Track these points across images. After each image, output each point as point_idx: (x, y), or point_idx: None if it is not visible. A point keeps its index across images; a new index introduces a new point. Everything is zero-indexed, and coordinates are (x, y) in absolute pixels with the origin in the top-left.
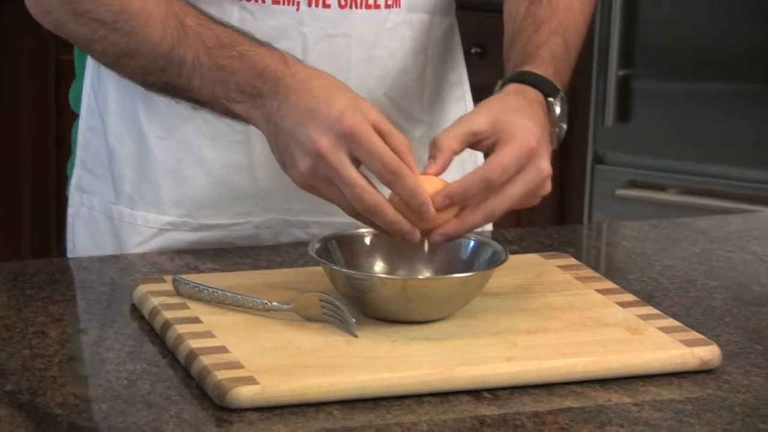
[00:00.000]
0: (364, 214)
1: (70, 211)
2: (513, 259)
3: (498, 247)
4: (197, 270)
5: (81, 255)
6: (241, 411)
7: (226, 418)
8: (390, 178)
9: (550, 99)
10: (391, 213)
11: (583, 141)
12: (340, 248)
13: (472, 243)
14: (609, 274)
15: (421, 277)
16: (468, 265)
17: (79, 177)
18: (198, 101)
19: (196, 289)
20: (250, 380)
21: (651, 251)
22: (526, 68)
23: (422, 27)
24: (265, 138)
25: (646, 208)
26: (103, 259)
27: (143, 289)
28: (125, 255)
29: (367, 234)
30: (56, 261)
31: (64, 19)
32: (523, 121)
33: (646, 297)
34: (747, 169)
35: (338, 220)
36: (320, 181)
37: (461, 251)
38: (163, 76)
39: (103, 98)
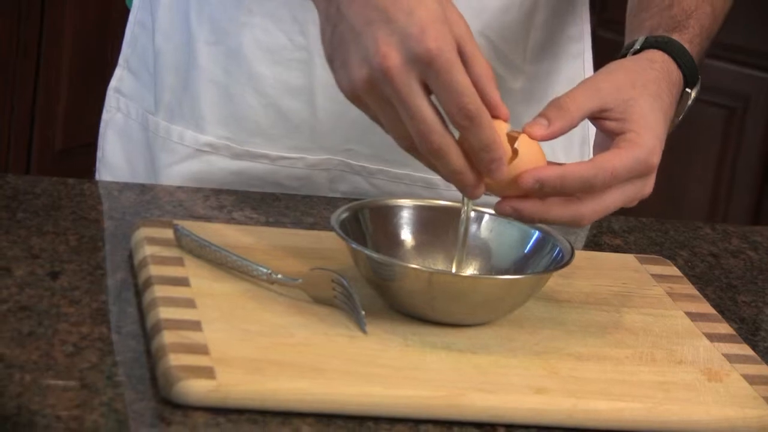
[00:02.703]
0: (425, 154)
1: (105, 115)
2: (603, 258)
3: (565, 244)
4: (229, 215)
5: (110, 168)
6: (189, 408)
7: (166, 415)
8: (464, 123)
9: (688, 90)
10: (457, 160)
11: None
12: (372, 220)
13: (536, 234)
14: (718, 292)
15: (450, 271)
16: (523, 264)
17: (120, 78)
18: None
19: (197, 243)
20: (208, 372)
21: None
22: (675, 37)
23: None
24: None
25: None
26: (125, 187)
27: (143, 233)
28: (152, 185)
29: (409, 206)
30: (69, 181)
31: None
32: (656, 118)
33: (751, 329)
34: None
35: (409, 172)
36: (375, 98)
37: (520, 242)
38: None
39: None
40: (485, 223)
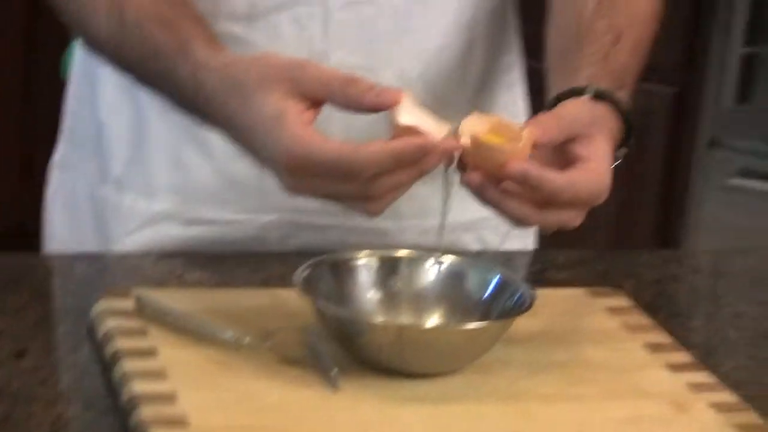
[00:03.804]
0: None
1: (50, 190)
2: (554, 294)
3: (525, 288)
4: (181, 278)
5: (58, 243)
6: None
7: None
8: (369, 176)
9: (621, 149)
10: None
11: (696, 122)
12: (334, 275)
13: (496, 279)
14: (668, 319)
15: (420, 325)
16: (486, 309)
17: (62, 152)
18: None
19: (160, 312)
20: None
21: (723, 291)
22: (620, 95)
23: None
24: None
25: (760, 199)
26: (75, 258)
27: (102, 305)
28: (101, 254)
29: (367, 259)
30: (18, 256)
31: None
32: (609, 163)
33: (706, 354)
34: None
35: (359, 224)
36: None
37: (480, 288)
38: (125, 74)
39: (95, 64)
40: (446, 270)
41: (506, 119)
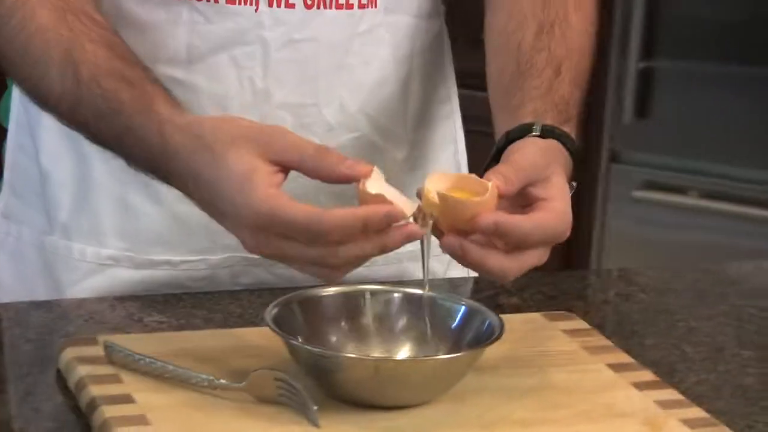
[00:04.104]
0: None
1: None
2: (512, 320)
3: (492, 316)
4: (140, 323)
5: (6, 293)
6: None
7: None
8: (336, 239)
9: (573, 183)
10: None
11: (598, 138)
12: (302, 312)
13: (462, 309)
14: (624, 339)
15: (397, 358)
16: (456, 339)
17: (5, 202)
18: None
19: (131, 358)
20: None
21: (673, 308)
22: (566, 129)
23: (405, 32)
24: None
25: (664, 211)
26: (31, 306)
27: (70, 353)
28: (57, 301)
29: (336, 296)
30: None
31: None
32: (568, 200)
33: (667, 371)
34: None
35: None
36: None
37: (449, 319)
38: (80, 132)
39: (35, 112)
40: (413, 303)
41: (466, 174)
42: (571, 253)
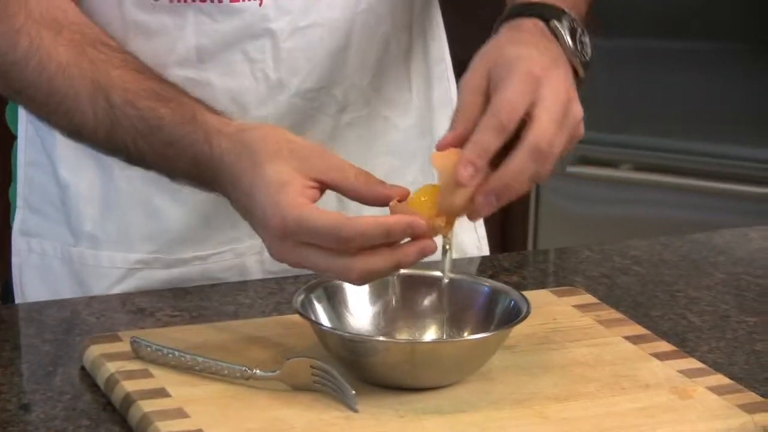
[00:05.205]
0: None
1: (16, 260)
2: None
3: (516, 295)
4: (153, 317)
5: None
6: None
7: None
8: (356, 245)
9: (554, 22)
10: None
11: None
12: (328, 298)
13: (486, 290)
14: (630, 311)
15: (430, 339)
16: (483, 318)
17: (23, 219)
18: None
19: (160, 352)
20: None
21: (670, 279)
22: (523, 0)
23: (403, 3)
24: None
25: (596, 185)
26: (40, 306)
27: (95, 351)
28: (63, 301)
29: None
30: None
31: (6, 94)
32: (519, 51)
33: (679, 341)
34: (706, 142)
35: None
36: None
37: (475, 300)
38: (116, 156)
39: (47, 127)
40: (436, 286)
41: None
42: (507, 232)
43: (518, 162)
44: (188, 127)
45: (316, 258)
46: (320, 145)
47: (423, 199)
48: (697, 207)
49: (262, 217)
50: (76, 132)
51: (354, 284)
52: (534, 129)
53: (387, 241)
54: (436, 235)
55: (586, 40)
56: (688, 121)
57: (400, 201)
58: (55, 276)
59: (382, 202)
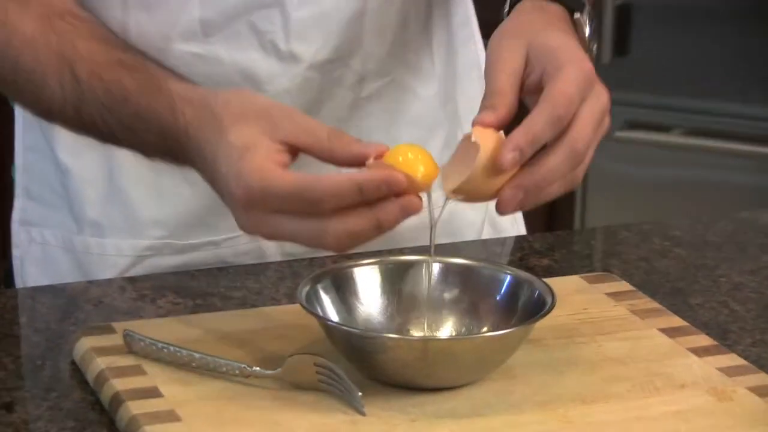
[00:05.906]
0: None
1: (17, 251)
2: (552, 284)
3: (540, 284)
4: (154, 304)
5: None
6: None
7: None
8: (333, 205)
9: (577, 15)
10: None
11: None
12: (336, 288)
13: (508, 278)
14: (667, 299)
15: (440, 333)
16: (504, 310)
17: (23, 208)
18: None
19: (154, 347)
20: None
21: (713, 262)
22: None
23: None
24: None
25: (648, 151)
26: (35, 292)
27: (86, 343)
28: (62, 286)
29: (370, 269)
30: None
31: None
32: (561, 40)
33: (720, 333)
34: (761, 106)
35: None
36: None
37: (494, 289)
38: (89, 135)
39: None
40: (452, 275)
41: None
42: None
43: (555, 159)
44: (152, 97)
45: (289, 225)
46: (289, 106)
47: (406, 157)
48: (750, 170)
49: (227, 188)
50: (46, 110)
51: (333, 251)
52: (576, 128)
53: (361, 199)
54: (418, 192)
55: (595, 44)
56: (739, 84)
57: (378, 157)
58: (57, 267)
59: (358, 162)
